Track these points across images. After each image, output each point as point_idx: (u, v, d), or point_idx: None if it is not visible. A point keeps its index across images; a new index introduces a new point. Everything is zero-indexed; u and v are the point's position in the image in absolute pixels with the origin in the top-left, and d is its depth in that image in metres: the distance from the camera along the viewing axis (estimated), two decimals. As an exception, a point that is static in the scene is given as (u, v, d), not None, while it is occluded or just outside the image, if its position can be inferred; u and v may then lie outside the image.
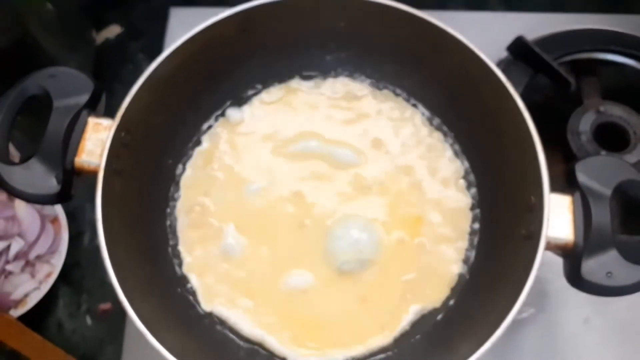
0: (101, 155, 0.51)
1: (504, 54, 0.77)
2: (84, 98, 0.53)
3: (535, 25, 0.80)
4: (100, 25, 0.96)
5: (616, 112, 0.74)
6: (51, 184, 0.51)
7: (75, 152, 0.52)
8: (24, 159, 0.51)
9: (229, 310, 0.58)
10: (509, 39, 0.75)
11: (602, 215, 0.49)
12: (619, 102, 0.75)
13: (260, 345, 0.56)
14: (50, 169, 0.51)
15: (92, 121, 0.53)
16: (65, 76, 0.53)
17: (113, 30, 0.97)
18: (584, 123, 0.73)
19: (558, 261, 0.66)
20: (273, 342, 0.56)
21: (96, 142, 0.52)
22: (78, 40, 0.89)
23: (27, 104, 0.53)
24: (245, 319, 0.57)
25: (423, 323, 0.57)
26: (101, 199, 0.50)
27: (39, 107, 0.53)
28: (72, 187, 0.52)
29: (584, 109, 0.74)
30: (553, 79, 0.72)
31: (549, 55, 0.72)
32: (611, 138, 0.73)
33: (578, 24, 0.80)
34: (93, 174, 0.51)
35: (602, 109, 0.73)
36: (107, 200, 0.51)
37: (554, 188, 0.50)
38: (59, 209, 0.80)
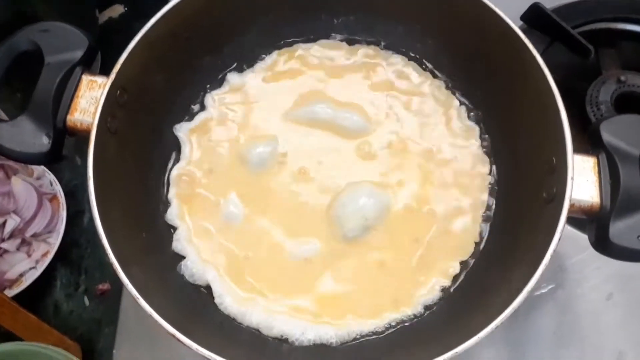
0: (95, 113, 0.49)
1: (518, 24, 0.73)
2: (77, 54, 0.51)
3: (549, -5, 0.76)
4: (104, 5, 0.95)
5: (638, 81, 0.70)
6: (41, 143, 0.49)
7: (67, 110, 0.50)
8: (12, 117, 0.49)
9: (222, 284, 0.54)
10: (522, 8, 0.72)
11: (631, 176, 0.47)
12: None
13: (258, 329, 0.53)
14: (40, 126, 0.49)
15: (86, 78, 0.51)
16: (58, 31, 0.51)
17: (116, 10, 0.97)
18: (604, 93, 0.70)
19: (577, 235, 0.63)
20: (269, 320, 0.53)
21: (90, 99, 0.50)
22: (81, 18, 0.87)
23: (18, 59, 0.50)
24: (244, 298, 0.54)
25: (437, 294, 0.54)
26: (93, 158, 0.48)
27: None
28: (63, 147, 0.50)
29: (604, 79, 0.71)
30: (571, 47, 0.69)
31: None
32: (632, 108, 0.69)
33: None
34: (86, 133, 0.49)
35: (622, 78, 0.70)
36: (100, 160, 0.48)
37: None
38: (57, 187, 0.78)
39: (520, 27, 0.74)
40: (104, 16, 0.96)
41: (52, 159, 0.49)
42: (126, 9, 0.96)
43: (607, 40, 0.75)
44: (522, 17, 0.72)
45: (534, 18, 0.71)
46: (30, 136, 0.48)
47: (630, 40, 0.75)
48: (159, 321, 0.43)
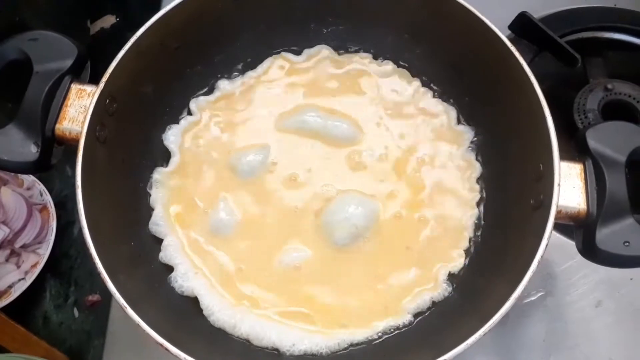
0: (84, 122, 0.49)
1: (506, 33, 0.74)
2: (67, 63, 0.51)
3: (536, 5, 0.77)
4: (95, 15, 0.96)
5: (625, 89, 0.71)
6: (29, 151, 0.48)
7: (56, 119, 0.50)
8: (1, 126, 0.49)
9: (211, 295, 0.53)
10: (510, 18, 0.73)
11: (617, 182, 0.47)
12: (626, 80, 0.72)
13: (248, 340, 0.52)
14: (28, 135, 0.49)
15: (75, 87, 0.51)
16: (47, 40, 0.51)
17: (108, 20, 0.97)
18: (592, 101, 0.70)
19: (566, 242, 0.63)
20: (259, 331, 0.52)
21: (79, 108, 0.50)
22: (73, 29, 0.87)
23: (7, 68, 0.50)
24: (233, 307, 0.53)
25: (428, 301, 0.53)
26: (82, 167, 0.47)
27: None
28: (51, 156, 0.50)
29: (591, 87, 0.72)
30: (559, 56, 0.69)
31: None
32: (620, 116, 0.70)
33: (580, 3, 0.78)
34: (75, 142, 0.49)
35: (609, 86, 0.71)
36: (89, 169, 0.48)
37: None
38: (47, 197, 0.77)
39: (508, 37, 0.75)
40: (96, 26, 0.96)
41: (40, 167, 0.49)
42: (118, 19, 0.97)
43: (594, 49, 0.76)
44: (510, 27, 0.73)
45: (521, 27, 0.71)
46: (19, 145, 0.48)
47: (617, 49, 0.76)
48: (147, 330, 0.43)
